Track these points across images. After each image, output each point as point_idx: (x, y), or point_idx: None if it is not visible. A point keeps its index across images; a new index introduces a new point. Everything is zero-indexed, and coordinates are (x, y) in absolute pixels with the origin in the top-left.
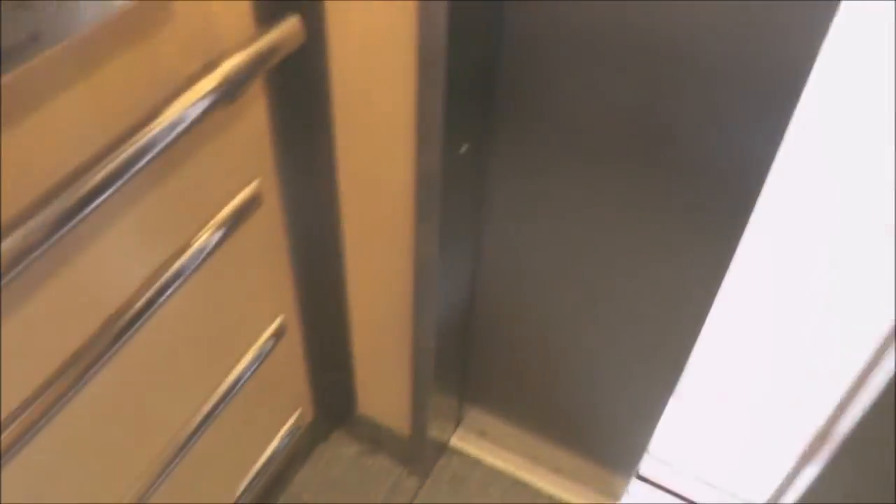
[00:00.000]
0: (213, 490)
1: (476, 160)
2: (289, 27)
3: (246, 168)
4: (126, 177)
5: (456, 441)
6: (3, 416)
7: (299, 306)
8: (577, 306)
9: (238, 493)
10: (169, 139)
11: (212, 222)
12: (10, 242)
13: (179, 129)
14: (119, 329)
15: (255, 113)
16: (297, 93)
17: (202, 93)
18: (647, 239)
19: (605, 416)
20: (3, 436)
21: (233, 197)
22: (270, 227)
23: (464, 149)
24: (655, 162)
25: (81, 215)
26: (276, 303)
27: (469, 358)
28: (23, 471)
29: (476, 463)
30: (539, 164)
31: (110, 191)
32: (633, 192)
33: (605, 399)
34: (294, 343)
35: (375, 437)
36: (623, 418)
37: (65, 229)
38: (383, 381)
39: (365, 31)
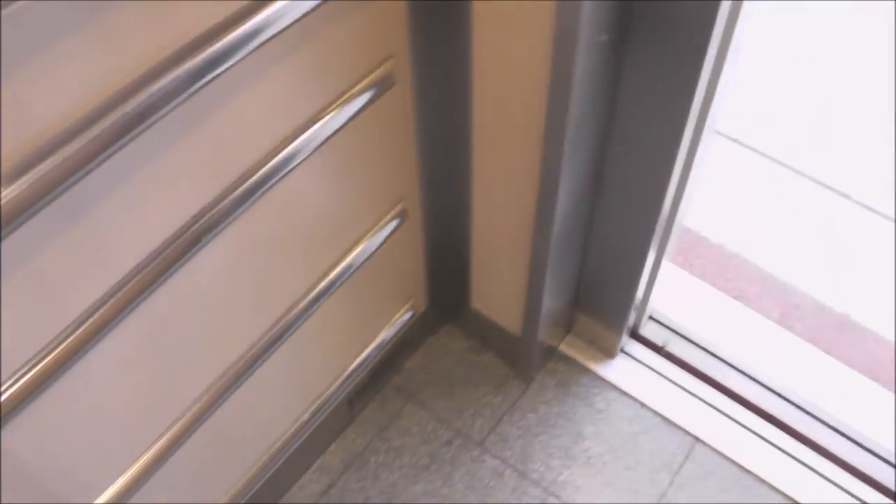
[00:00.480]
0: (325, 363)
1: (612, 56)
2: None
3: (381, 45)
4: (261, 38)
5: (564, 347)
6: (143, 258)
7: (422, 192)
8: None
9: (349, 370)
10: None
11: (344, 97)
12: (151, 89)
13: None
14: (245, 191)
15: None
16: None
17: None
18: None
19: None
20: (142, 275)
21: (366, 73)
22: (401, 107)
23: (604, 38)
24: None
25: (218, 71)
26: (399, 186)
27: (585, 267)
28: (148, 316)
29: (583, 370)
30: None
31: (244, 51)
32: None
33: None
34: (414, 229)
35: (485, 335)
36: None
37: (203, 81)
38: (498, 279)
39: None
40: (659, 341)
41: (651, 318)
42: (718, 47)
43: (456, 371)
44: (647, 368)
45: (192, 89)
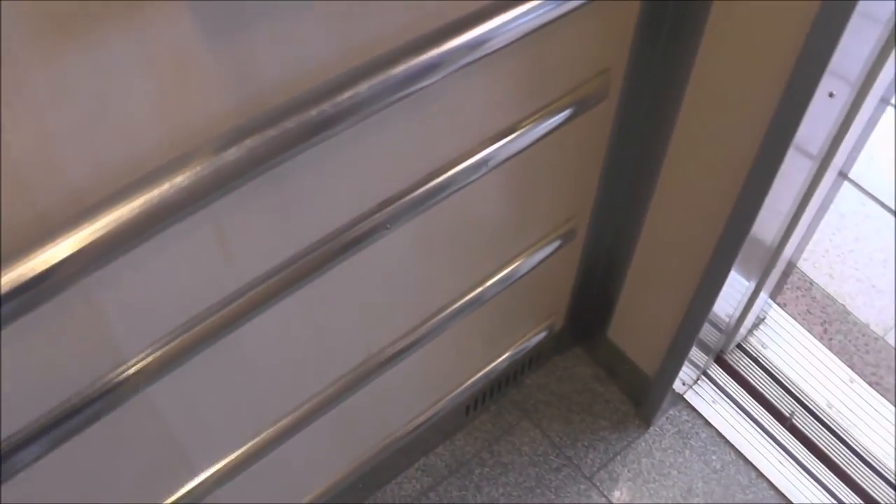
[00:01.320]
0: (455, 368)
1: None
2: None
3: (601, 56)
4: (494, 44)
5: (692, 395)
6: (322, 236)
7: (593, 214)
8: None
9: (474, 378)
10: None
11: (548, 108)
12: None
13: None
14: (430, 189)
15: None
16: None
17: None
18: None
19: None
20: (317, 252)
21: (578, 85)
22: (600, 126)
23: (832, 93)
24: None
25: (445, 72)
26: (575, 203)
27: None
28: (311, 294)
29: (706, 424)
30: None
31: (476, 53)
32: None
33: None
34: (574, 249)
35: (614, 366)
36: None
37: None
38: (645, 316)
39: None
40: (785, 411)
41: (775, 379)
42: None
43: (577, 397)
44: (766, 437)
45: (414, 87)
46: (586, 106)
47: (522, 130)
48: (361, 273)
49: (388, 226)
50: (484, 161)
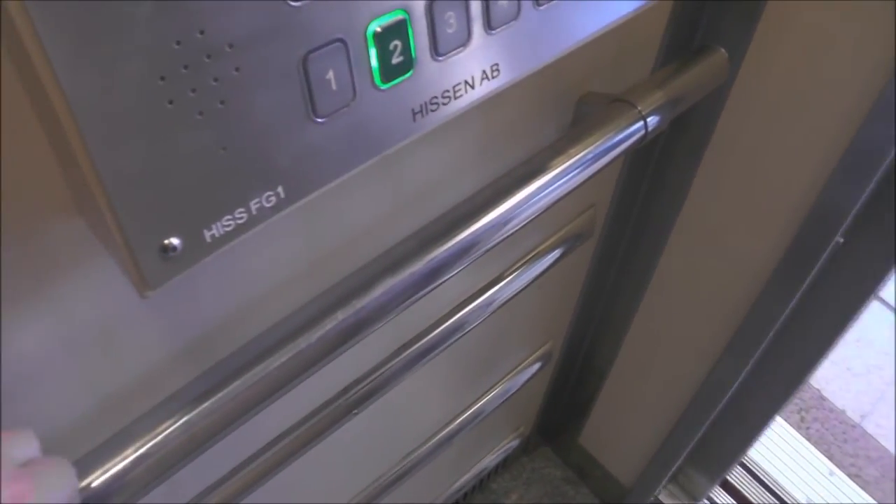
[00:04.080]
0: (428, 489)
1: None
2: (716, 61)
3: (589, 193)
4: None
5: (665, 498)
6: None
7: (570, 337)
8: None
9: (447, 494)
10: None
11: (538, 250)
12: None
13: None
14: (422, 349)
15: None
16: (674, 133)
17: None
18: None
19: None
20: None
21: (567, 223)
22: (583, 258)
23: (840, 240)
24: None
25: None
26: (553, 327)
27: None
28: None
29: None
30: None
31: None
32: None
33: None
34: (549, 368)
35: (584, 469)
36: None
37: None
38: (620, 427)
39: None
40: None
41: (754, 475)
42: None
43: (545, 501)
44: None
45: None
46: (573, 246)
47: (510, 279)
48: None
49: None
50: (474, 314)
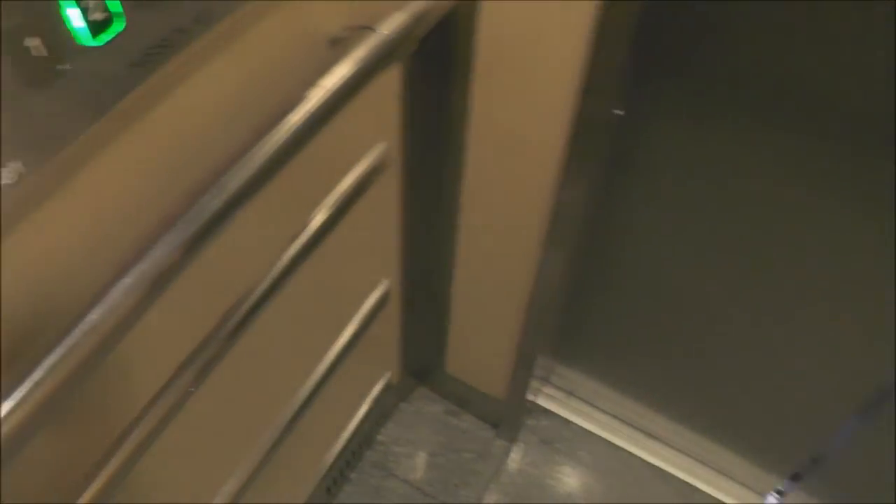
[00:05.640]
0: (310, 457)
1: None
2: None
3: (375, 132)
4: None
5: (543, 401)
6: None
7: (404, 271)
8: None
9: (332, 459)
10: (319, 111)
11: (335, 191)
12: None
13: (326, 100)
14: (247, 310)
15: (390, 76)
16: (438, 55)
17: (358, 62)
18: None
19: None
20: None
21: (356, 163)
22: (387, 193)
23: (616, 115)
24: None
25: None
26: (383, 268)
27: (567, 318)
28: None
29: (565, 423)
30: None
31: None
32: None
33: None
34: (394, 307)
35: (462, 397)
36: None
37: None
38: (478, 345)
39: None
40: None
41: None
42: None
43: (435, 438)
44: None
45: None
46: (368, 183)
47: (314, 227)
48: (202, 407)
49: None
50: (287, 270)
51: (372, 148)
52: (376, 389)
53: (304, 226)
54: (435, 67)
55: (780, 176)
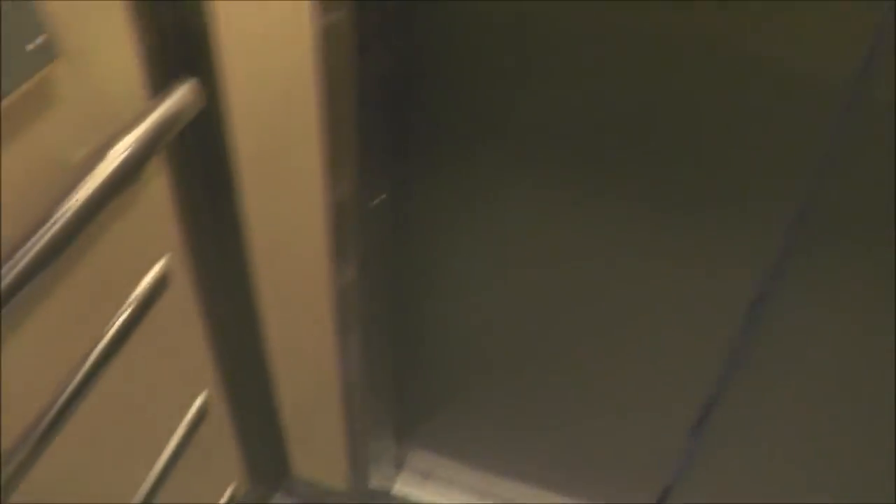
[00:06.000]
0: None
1: (394, 206)
2: (186, 93)
3: (152, 247)
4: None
5: (400, 487)
6: None
7: (222, 380)
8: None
9: None
10: (68, 234)
11: (122, 307)
12: None
13: (79, 221)
14: (47, 423)
15: (158, 187)
16: (199, 161)
17: (99, 181)
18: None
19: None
20: None
21: (140, 279)
22: (183, 304)
23: (380, 199)
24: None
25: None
26: (197, 380)
27: (405, 401)
28: None
29: None
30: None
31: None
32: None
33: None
34: (221, 417)
35: (315, 496)
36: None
37: None
38: (314, 441)
39: (266, 83)
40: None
41: None
42: None
43: None
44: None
45: None
46: (155, 296)
47: (105, 343)
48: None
49: None
50: (77, 388)
51: (156, 262)
52: (223, 501)
53: (96, 344)
54: (197, 172)
55: (567, 223)
